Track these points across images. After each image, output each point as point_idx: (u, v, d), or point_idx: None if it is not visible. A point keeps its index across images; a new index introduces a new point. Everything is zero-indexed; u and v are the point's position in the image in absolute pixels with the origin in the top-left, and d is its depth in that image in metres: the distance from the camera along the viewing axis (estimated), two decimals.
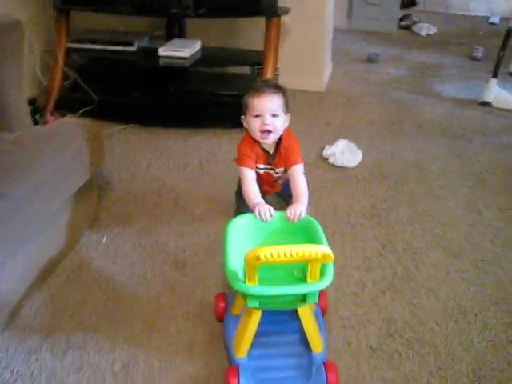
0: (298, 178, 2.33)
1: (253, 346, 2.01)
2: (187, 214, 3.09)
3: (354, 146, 3.64)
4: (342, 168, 3.53)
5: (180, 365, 2.15)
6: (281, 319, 2.15)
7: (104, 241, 2.82)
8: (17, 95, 2.66)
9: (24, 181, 2.25)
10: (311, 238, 2.06)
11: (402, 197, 3.30)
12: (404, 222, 3.05)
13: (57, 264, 2.63)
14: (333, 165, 3.55)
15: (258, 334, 2.00)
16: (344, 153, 3.52)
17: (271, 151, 2.44)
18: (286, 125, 2.38)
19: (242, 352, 2.01)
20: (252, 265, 1.76)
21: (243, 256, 1.81)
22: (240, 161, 2.40)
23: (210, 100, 4.09)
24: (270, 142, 2.36)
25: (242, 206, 2.45)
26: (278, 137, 2.36)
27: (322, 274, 1.86)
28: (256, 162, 2.42)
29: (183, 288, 2.57)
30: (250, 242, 2.08)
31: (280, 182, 2.58)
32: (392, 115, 4.37)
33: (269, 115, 2.27)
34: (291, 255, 1.74)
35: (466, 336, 2.36)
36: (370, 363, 2.21)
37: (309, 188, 2.29)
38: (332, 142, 3.73)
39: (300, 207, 2.15)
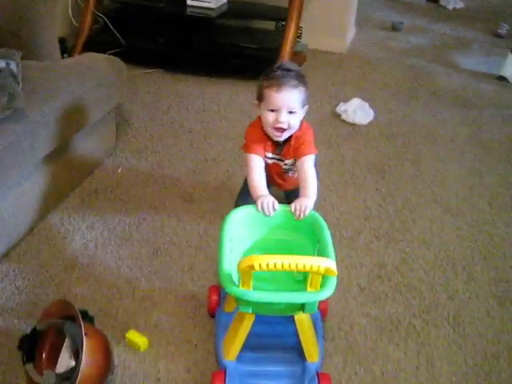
0: (307, 169, 2.12)
1: (244, 347, 1.87)
2: (201, 154, 3.21)
3: (367, 105, 3.73)
4: (353, 125, 3.62)
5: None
6: (277, 320, 2.00)
7: (119, 170, 2.95)
8: (49, 30, 2.78)
9: (47, 103, 2.38)
10: (316, 238, 1.91)
11: (408, 156, 3.39)
12: (407, 179, 3.15)
13: (73, 188, 2.80)
14: (344, 121, 3.64)
15: (250, 335, 1.85)
16: (356, 111, 3.61)
17: (280, 141, 2.20)
18: (302, 116, 2.16)
19: (231, 355, 1.87)
20: (245, 272, 1.61)
21: (240, 254, 1.80)
22: (247, 147, 2.19)
23: (233, 51, 4.18)
24: (281, 139, 2.16)
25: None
26: (292, 133, 2.16)
27: (323, 282, 1.69)
28: (267, 150, 2.22)
29: (189, 219, 2.70)
30: (249, 238, 1.99)
31: (290, 173, 2.36)
32: (408, 81, 4.44)
33: (285, 112, 2.05)
34: (289, 267, 1.57)
35: (452, 286, 2.47)
36: (358, 300, 2.34)
37: (318, 180, 2.10)
38: (347, 100, 3.81)
39: (306, 202, 1.97)
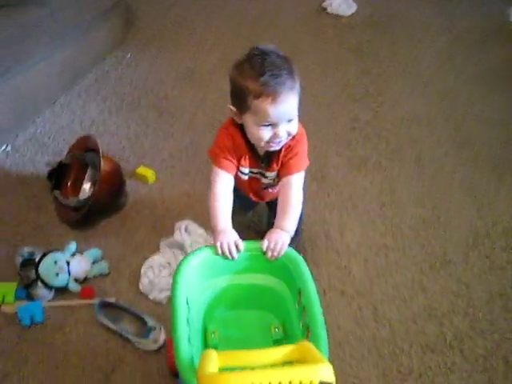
0: (292, 193, 1.62)
1: None
2: (202, 40, 3.52)
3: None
4: (337, 16, 3.86)
5: None
6: None
7: (128, 55, 3.26)
8: None
9: None
10: (294, 283, 1.51)
11: (386, 39, 3.64)
12: (383, 56, 3.43)
13: (88, 71, 3.13)
14: (329, 13, 3.89)
15: None
16: (341, 4, 3.86)
17: (262, 151, 1.66)
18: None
19: None
20: None
21: (200, 313, 1.56)
22: (215, 158, 1.65)
23: None
24: (276, 149, 1.62)
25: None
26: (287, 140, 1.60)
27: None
28: (238, 164, 1.67)
29: (188, 93, 3.03)
30: (210, 289, 1.61)
31: (270, 190, 1.82)
32: None
33: (284, 123, 1.52)
34: None
35: (416, 135, 2.79)
36: (333, 144, 2.69)
37: (304, 202, 1.68)
38: None
39: (282, 237, 1.53)
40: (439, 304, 1.99)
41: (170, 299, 1.42)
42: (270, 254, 1.52)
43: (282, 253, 1.52)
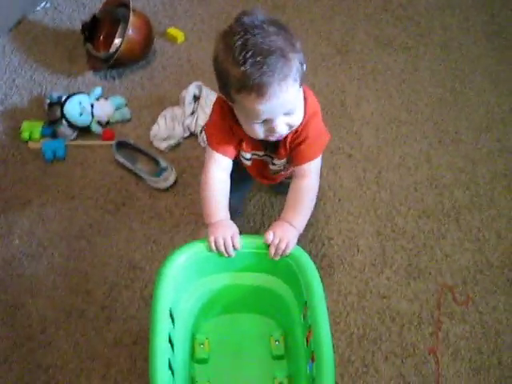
0: (305, 181, 1.39)
1: None
2: None
3: None
4: None
5: None
6: None
7: None
8: None
9: None
10: (299, 289, 1.29)
11: None
12: None
13: None
14: None
15: None
16: None
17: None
18: (303, 94, 1.31)
19: None
20: None
21: (188, 327, 1.36)
22: (210, 138, 1.39)
23: None
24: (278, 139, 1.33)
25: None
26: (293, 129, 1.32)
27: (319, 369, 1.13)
28: (239, 147, 1.40)
29: None
30: (199, 291, 1.38)
31: (283, 173, 1.57)
32: None
33: (281, 117, 1.23)
34: None
35: (447, 23, 2.73)
36: (361, 25, 2.65)
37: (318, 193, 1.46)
38: None
39: (289, 234, 1.30)
40: (442, 176, 2.04)
41: (150, 310, 1.18)
42: (273, 250, 1.28)
43: (288, 251, 1.28)
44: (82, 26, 2.36)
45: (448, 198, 1.98)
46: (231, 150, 1.38)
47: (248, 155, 1.42)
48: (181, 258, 1.26)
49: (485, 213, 1.96)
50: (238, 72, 1.12)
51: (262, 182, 1.65)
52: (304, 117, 1.30)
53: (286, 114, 1.22)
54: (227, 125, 1.34)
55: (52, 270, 1.77)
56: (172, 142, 2.00)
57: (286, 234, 1.28)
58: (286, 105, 1.19)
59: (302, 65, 1.19)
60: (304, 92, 1.31)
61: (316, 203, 1.46)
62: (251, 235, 1.38)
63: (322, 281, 1.28)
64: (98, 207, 1.90)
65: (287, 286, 1.35)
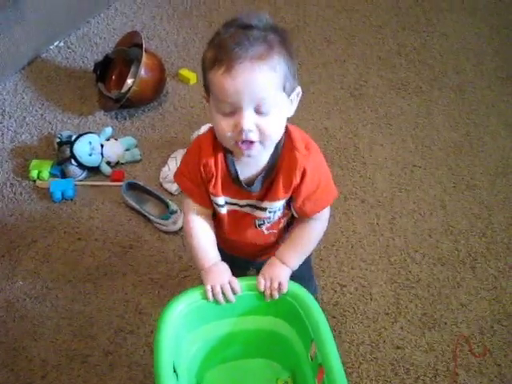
0: (314, 224, 1.24)
1: None
2: None
3: None
4: None
5: None
6: None
7: None
8: None
9: None
10: (303, 327, 1.22)
11: None
12: None
13: None
14: None
15: None
16: None
17: (252, 171, 1.16)
18: (291, 114, 1.11)
19: None
20: None
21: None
22: (184, 185, 1.25)
23: None
24: (252, 156, 1.10)
25: None
26: (270, 147, 1.13)
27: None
28: (213, 192, 1.19)
29: (239, 6, 2.97)
30: (201, 340, 1.30)
31: (265, 228, 1.26)
32: None
33: (250, 109, 1.03)
34: None
35: (461, 67, 2.72)
36: (375, 66, 2.63)
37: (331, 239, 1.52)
38: None
39: (280, 273, 1.21)
40: (457, 223, 1.98)
41: (153, 366, 1.11)
42: (268, 292, 1.20)
43: (284, 290, 1.20)
44: (95, 65, 2.35)
45: (463, 245, 1.92)
46: (203, 198, 1.22)
47: (220, 200, 1.19)
48: (178, 307, 1.19)
49: (502, 260, 1.90)
50: (214, 46, 1.03)
51: (243, 258, 1.38)
52: (285, 140, 1.13)
53: (258, 110, 1.02)
54: (195, 160, 1.16)
55: (56, 312, 1.71)
56: None
57: (275, 274, 1.20)
58: (256, 91, 1.00)
59: (292, 75, 1.05)
60: (290, 127, 1.15)
61: (328, 249, 1.41)
62: (247, 277, 1.28)
63: (333, 329, 1.22)
64: (105, 249, 1.85)
65: (290, 326, 1.28)
